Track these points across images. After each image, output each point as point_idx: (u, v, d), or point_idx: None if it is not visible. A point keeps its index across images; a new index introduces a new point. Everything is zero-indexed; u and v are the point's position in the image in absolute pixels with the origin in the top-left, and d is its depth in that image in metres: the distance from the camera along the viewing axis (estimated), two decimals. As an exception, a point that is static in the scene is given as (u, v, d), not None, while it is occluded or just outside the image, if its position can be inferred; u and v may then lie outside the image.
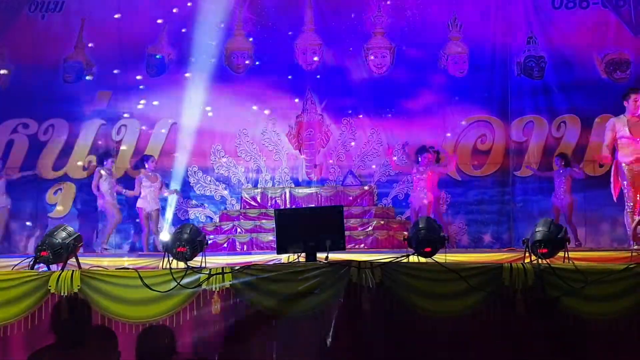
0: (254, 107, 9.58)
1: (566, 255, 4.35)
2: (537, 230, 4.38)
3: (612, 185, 6.79)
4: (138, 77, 9.55)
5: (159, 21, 9.54)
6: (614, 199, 6.77)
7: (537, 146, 9.20)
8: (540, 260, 4.24)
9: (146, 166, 8.61)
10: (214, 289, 4.23)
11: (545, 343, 4.11)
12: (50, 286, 4.20)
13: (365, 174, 9.47)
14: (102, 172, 8.47)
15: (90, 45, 9.56)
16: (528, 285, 4.09)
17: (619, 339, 4.08)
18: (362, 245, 8.10)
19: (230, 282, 4.22)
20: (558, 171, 8.47)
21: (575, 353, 4.11)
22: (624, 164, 6.47)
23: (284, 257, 5.30)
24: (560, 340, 4.11)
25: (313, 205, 8.71)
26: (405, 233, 4.95)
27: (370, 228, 8.42)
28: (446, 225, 8.66)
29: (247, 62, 9.65)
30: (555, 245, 4.30)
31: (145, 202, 8.48)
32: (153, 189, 8.52)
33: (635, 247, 6.16)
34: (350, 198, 8.98)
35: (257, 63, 9.64)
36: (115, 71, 9.45)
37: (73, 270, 4.32)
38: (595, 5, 9.31)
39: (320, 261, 4.39)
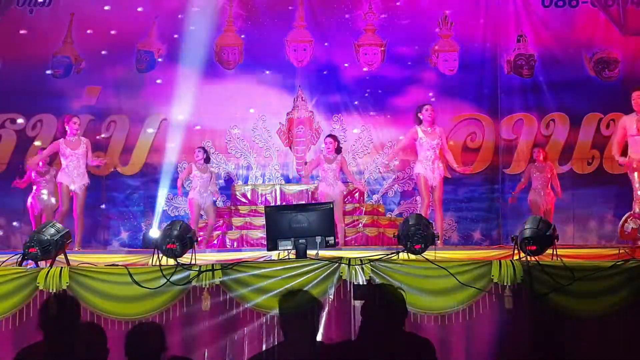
0: (244, 104, 9.56)
1: (554, 252, 4.37)
2: (525, 227, 4.40)
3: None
4: (127, 73, 9.49)
5: (149, 17, 9.50)
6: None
7: (526, 144, 9.25)
8: (528, 257, 4.26)
9: (196, 158, 8.05)
10: (203, 286, 4.22)
11: (533, 339, 4.14)
12: (38, 283, 4.17)
13: (356, 171, 9.48)
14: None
15: (79, 40, 9.49)
16: (517, 282, 4.12)
17: (607, 335, 4.11)
18: (353, 242, 8.11)
19: (220, 279, 4.22)
20: (540, 165, 8.24)
21: (563, 349, 4.14)
22: (635, 162, 6.42)
23: (274, 254, 5.29)
24: (548, 337, 4.14)
25: (303, 202, 8.72)
26: (395, 230, 4.96)
27: (360, 225, 8.43)
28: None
29: (237, 58, 9.62)
30: (543, 243, 4.32)
31: (197, 193, 7.93)
32: (203, 180, 7.97)
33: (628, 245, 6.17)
34: (341, 195, 8.97)
35: (247, 59, 9.61)
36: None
37: (62, 267, 4.29)
38: (584, 4, 9.37)
39: (310, 258, 4.39)
